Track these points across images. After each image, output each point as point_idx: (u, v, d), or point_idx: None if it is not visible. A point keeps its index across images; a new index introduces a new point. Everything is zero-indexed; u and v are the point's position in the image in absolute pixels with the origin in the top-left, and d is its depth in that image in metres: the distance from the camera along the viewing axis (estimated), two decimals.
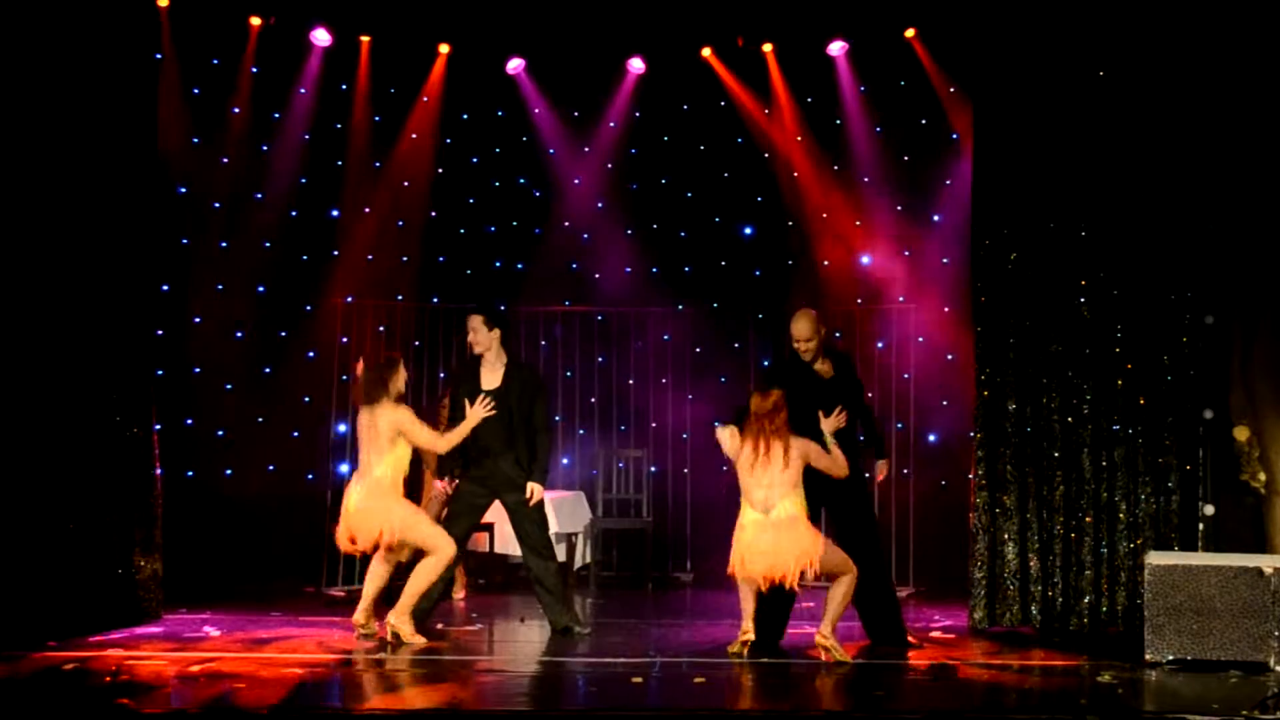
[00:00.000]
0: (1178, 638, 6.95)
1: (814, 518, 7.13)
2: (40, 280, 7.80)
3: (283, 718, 5.83)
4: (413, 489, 8.47)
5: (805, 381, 7.45)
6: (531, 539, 7.75)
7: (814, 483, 7.14)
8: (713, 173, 10.97)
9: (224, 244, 9.74)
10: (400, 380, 7.55)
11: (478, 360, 7.81)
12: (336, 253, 10.19)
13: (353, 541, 7.50)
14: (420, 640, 7.38)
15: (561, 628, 7.77)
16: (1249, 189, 7.94)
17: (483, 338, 7.74)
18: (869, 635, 7.55)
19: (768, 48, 10.40)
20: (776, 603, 7.24)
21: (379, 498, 7.41)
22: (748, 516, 6.97)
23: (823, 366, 7.57)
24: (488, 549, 9.43)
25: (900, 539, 9.77)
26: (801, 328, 7.51)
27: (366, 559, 9.64)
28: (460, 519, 7.77)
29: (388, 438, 7.43)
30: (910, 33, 9.85)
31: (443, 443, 7.61)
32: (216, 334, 9.66)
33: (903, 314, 10.16)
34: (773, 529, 6.87)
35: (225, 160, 9.75)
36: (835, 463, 7.09)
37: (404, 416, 7.46)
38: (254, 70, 9.74)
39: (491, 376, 7.76)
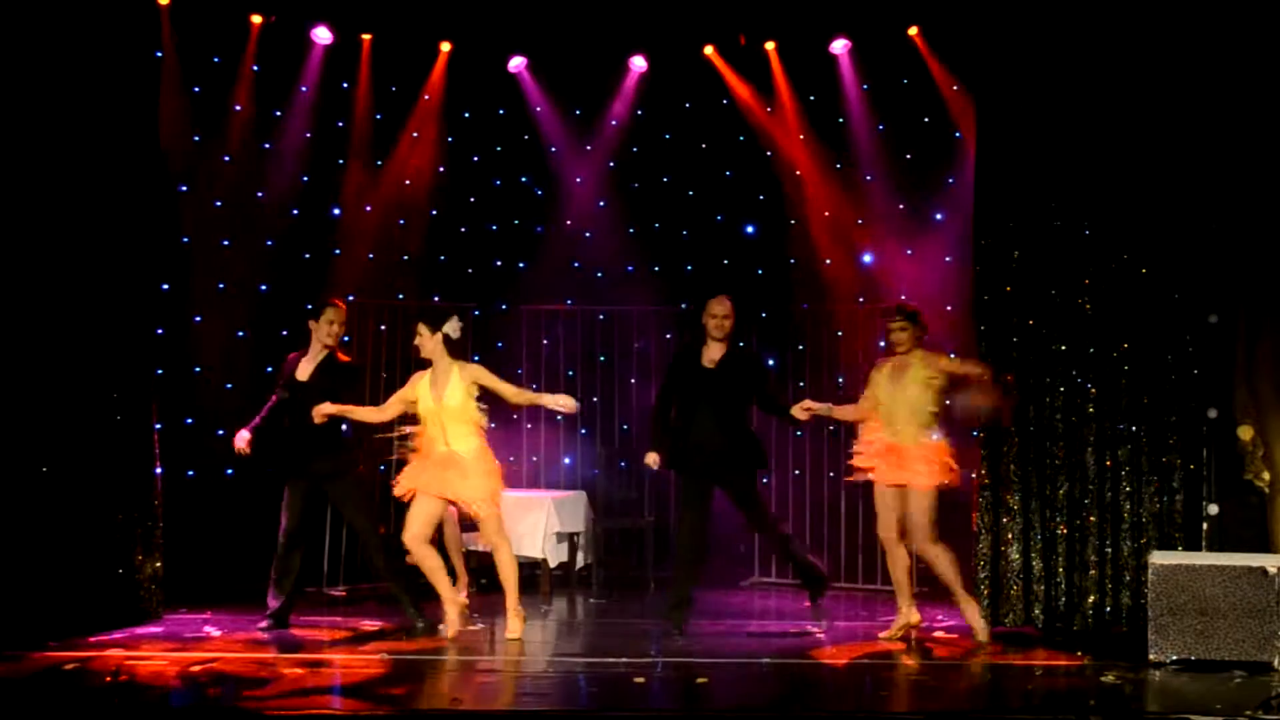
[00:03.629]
0: (1181, 638, 6.93)
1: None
2: (41, 279, 7.79)
3: (283, 718, 5.81)
4: None
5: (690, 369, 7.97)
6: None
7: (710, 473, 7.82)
8: (715, 171, 10.93)
9: (225, 242, 9.72)
10: None
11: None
12: (338, 251, 10.17)
13: None
14: None
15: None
16: (1252, 187, 7.91)
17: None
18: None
19: (770, 46, 10.36)
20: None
21: None
22: None
23: (713, 354, 7.94)
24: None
25: None
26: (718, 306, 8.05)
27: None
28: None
29: None
30: (913, 30, 9.81)
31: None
32: (217, 333, 9.64)
33: None
34: None
35: (226, 158, 9.72)
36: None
37: None
38: (255, 68, 9.72)
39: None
